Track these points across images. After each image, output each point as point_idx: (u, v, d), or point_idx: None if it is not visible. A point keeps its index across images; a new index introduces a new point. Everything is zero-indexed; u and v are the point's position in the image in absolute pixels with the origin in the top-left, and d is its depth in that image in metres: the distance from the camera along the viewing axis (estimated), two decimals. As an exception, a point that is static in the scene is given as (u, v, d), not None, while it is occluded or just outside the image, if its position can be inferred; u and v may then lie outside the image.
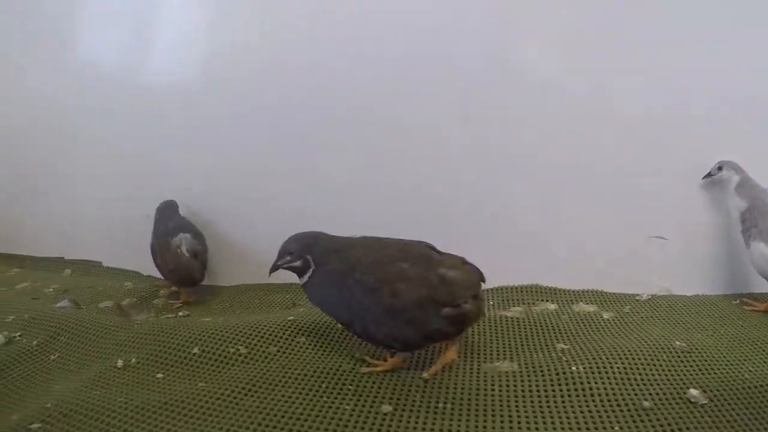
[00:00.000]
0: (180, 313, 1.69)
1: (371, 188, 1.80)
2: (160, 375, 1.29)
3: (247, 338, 1.37)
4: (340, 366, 1.26)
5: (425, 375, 1.16)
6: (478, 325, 1.42)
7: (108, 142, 2.15)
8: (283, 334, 1.41)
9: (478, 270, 1.20)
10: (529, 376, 1.17)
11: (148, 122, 2.05)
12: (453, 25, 1.70)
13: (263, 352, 1.34)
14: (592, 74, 1.64)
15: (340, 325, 1.37)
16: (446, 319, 1.11)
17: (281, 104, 1.83)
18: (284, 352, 1.34)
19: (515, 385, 1.14)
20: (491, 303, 1.61)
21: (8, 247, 2.53)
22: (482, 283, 1.20)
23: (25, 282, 2.11)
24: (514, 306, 1.59)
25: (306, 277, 1.19)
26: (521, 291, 1.67)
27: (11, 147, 2.43)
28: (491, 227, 1.71)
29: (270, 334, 1.40)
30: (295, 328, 1.44)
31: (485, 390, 1.12)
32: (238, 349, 1.34)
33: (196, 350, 1.34)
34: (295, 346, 1.37)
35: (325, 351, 1.35)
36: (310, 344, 1.37)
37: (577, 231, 1.68)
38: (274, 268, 1.22)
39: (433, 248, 1.20)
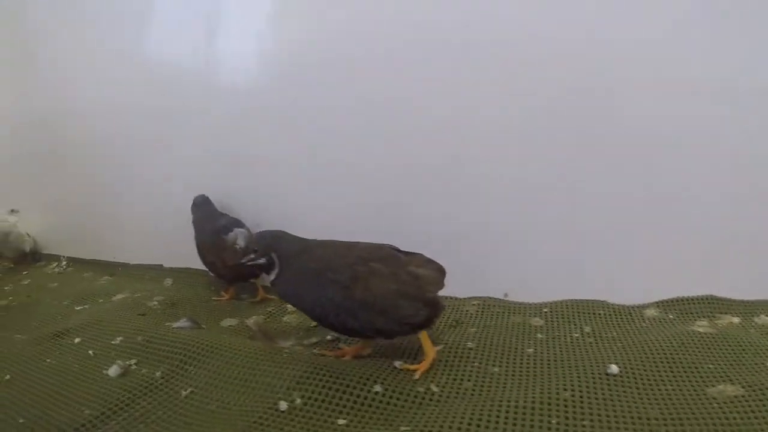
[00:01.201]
0: (328, 337, 1.34)
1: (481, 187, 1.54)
2: (342, 420, 0.97)
3: (435, 373, 1.11)
4: (557, 396, 0.97)
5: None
6: (680, 343, 1.18)
7: (194, 141, 1.96)
8: (472, 365, 1.14)
9: (442, 267, 1.19)
10: (762, 402, 0.94)
11: (230, 119, 1.88)
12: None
13: (457, 387, 1.05)
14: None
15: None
16: (418, 306, 1.11)
17: (346, 101, 1.66)
18: (481, 386, 1.06)
19: (753, 414, 0.91)
20: (670, 316, 1.36)
21: (96, 253, 2.25)
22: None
23: (123, 293, 1.79)
24: (697, 320, 1.33)
25: (274, 274, 1.17)
26: (697, 303, 1.40)
27: (101, 149, 2.21)
28: (657, 236, 1.42)
29: (458, 366, 1.13)
30: (482, 357, 1.17)
31: (727, 421, 0.90)
32: (430, 388, 1.05)
33: (378, 389, 1.04)
34: (490, 377, 1.09)
35: (528, 380, 1.07)
36: (505, 374, 1.10)
37: (745, 236, 1.37)
38: (238, 265, 1.22)
39: (397, 249, 1.20)
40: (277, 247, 1.17)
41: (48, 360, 1.32)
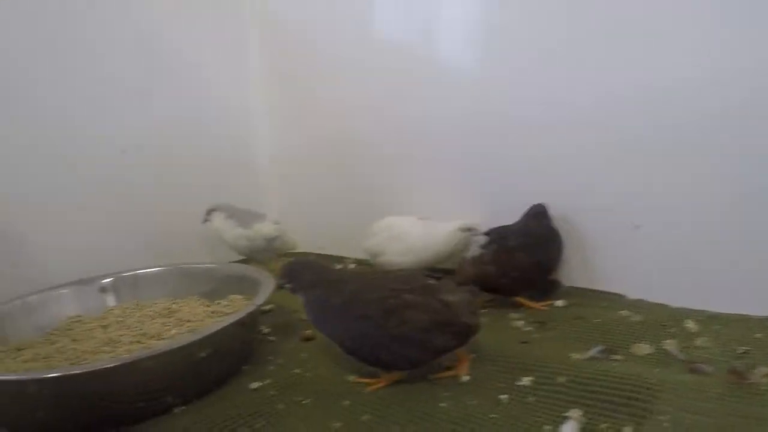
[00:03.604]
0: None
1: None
2: None
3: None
4: None
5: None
6: None
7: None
8: None
9: (475, 290, 1.20)
10: None
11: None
12: None
13: None
14: None
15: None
16: (450, 335, 1.12)
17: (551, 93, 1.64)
18: None
19: None
20: None
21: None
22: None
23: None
24: None
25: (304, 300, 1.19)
26: None
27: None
28: None
29: None
30: None
31: None
32: None
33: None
34: None
35: None
36: None
37: None
38: (278, 286, 1.27)
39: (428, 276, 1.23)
40: (294, 278, 1.19)
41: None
